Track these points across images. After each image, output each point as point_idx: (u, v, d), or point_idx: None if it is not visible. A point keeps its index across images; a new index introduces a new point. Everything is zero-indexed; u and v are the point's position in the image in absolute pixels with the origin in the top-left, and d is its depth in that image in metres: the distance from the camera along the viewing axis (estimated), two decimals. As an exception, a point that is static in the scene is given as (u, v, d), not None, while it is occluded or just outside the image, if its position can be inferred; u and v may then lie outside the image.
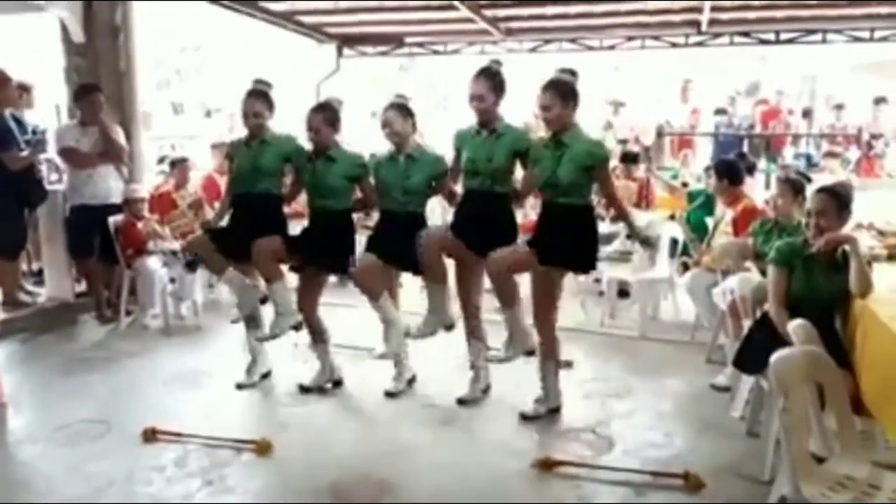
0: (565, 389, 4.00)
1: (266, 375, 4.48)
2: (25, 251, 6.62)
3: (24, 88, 6.44)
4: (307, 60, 10.54)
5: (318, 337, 4.29)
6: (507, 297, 3.75)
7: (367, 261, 4.03)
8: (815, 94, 12.74)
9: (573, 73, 3.65)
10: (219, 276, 4.40)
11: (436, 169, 4.04)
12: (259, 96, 4.13)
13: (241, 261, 4.19)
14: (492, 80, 3.79)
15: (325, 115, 4.04)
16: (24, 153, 5.37)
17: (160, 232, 5.76)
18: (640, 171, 6.99)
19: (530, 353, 3.88)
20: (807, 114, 10.45)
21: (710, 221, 5.15)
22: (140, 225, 5.62)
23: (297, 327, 4.24)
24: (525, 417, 3.85)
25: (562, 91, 3.56)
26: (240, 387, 4.32)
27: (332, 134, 4.06)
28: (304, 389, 4.25)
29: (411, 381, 4.31)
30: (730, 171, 4.88)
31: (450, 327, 4.04)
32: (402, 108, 4.01)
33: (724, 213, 4.85)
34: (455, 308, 4.12)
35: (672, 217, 5.74)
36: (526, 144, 3.82)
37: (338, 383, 4.33)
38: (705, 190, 5.54)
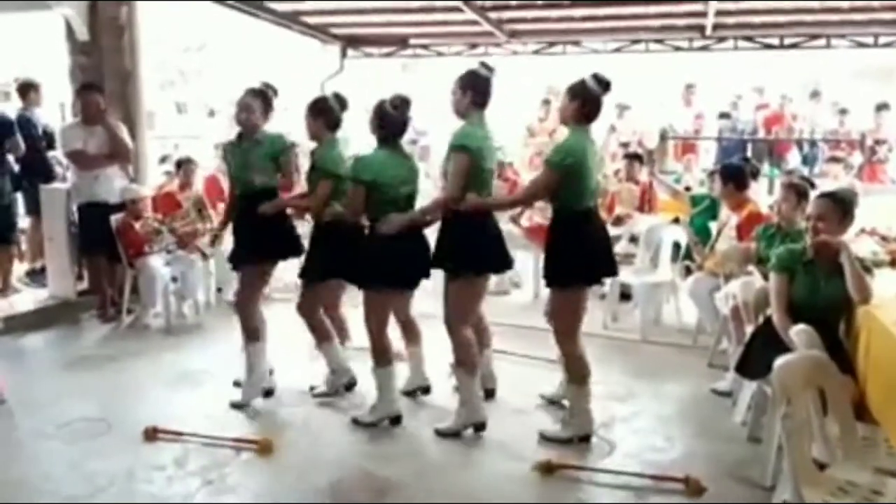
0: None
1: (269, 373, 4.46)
2: (29, 249, 6.67)
3: (32, 86, 6.47)
4: (311, 61, 10.55)
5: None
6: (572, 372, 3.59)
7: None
8: (818, 100, 12.73)
9: (597, 78, 3.45)
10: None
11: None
12: (254, 94, 4.05)
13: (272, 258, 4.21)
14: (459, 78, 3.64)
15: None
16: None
17: (159, 229, 5.74)
18: (642, 173, 6.99)
19: (585, 438, 3.61)
20: (815, 94, 10.34)
21: (713, 226, 5.15)
22: (138, 225, 5.61)
23: (350, 386, 4.18)
24: (545, 438, 3.63)
25: (570, 90, 3.50)
26: (237, 384, 4.24)
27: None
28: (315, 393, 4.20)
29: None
30: (735, 175, 4.87)
31: (481, 426, 3.71)
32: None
33: (729, 218, 4.84)
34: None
35: (676, 220, 5.74)
36: (453, 142, 3.56)
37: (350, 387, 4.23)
38: (710, 194, 5.53)
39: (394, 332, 4.03)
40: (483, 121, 3.63)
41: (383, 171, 3.64)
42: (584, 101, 3.45)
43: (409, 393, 4.19)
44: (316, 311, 4.12)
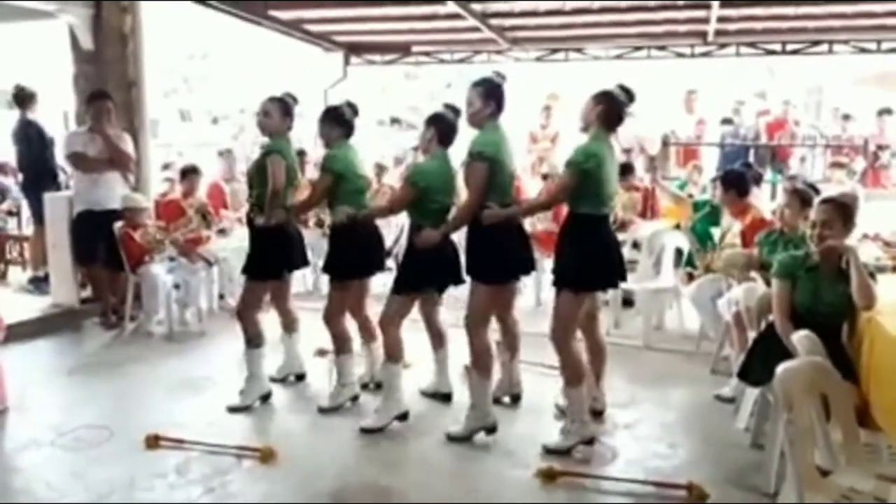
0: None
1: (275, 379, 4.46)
2: (32, 256, 6.70)
3: (28, 95, 6.50)
4: (314, 68, 10.59)
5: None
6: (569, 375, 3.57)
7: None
8: (820, 106, 12.74)
9: (622, 87, 3.47)
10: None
11: None
12: (273, 100, 4.13)
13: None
14: (479, 87, 3.67)
15: None
16: None
17: (161, 238, 5.74)
18: (644, 180, 6.98)
19: (589, 441, 3.60)
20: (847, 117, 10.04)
21: (715, 231, 5.14)
22: (138, 235, 5.62)
23: (354, 398, 4.13)
24: (549, 451, 3.57)
25: (595, 96, 3.49)
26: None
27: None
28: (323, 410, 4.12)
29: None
30: (737, 182, 4.86)
31: (492, 429, 3.74)
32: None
33: (732, 225, 4.82)
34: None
35: (678, 226, 5.74)
36: (472, 150, 3.59)
37: (354, 398, 4.19)
38: (710, 200, 5.53)
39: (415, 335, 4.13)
40: (498, 126, 3.66)
41: (437, 179, 3.74)
42: (608, 108, 3.44)
43: (431, 395, 4.24)
44: (339, 319, 4.11)
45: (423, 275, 3.79)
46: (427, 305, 4.10)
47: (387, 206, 4.11)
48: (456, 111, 3.82)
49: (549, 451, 3.57)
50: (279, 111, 4.09)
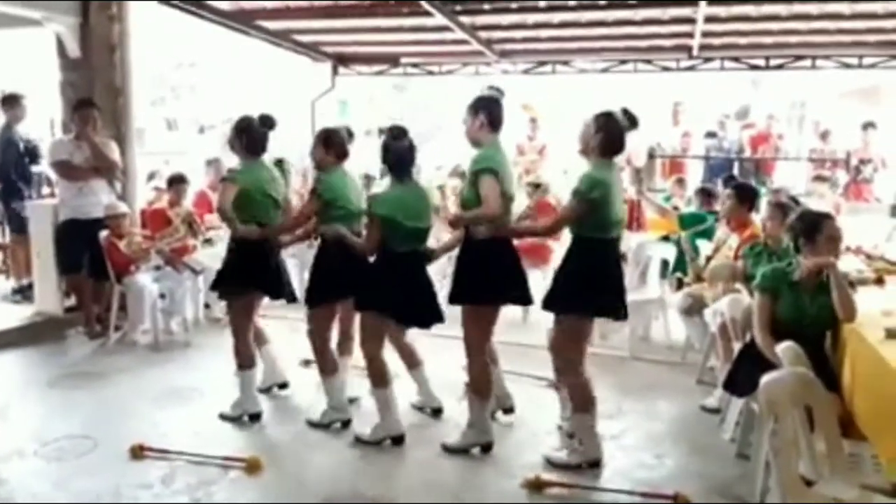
0: (554, 409, 3.97)
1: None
2: (14, 266, 6.64)
3: (16, 100, 6.46)
4: (302, 78, 10.61)
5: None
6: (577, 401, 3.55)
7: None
8: (803, 119, 12.91)
9: (626, 112, 3.44)
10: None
11: None
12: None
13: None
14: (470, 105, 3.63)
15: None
16: None
17: (146, 247, 5.70)
18: (628, 190, 7.03)
19: (594, 463, 3.53)
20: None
21: (702, 243, 5.17)
22: (123, 244, 5.57)
23: (345, 423, 4.03)
24: (552, 463, 3.55)
25: (596, 120, 3.42)
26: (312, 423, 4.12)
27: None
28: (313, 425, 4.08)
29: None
30: (752, 196, 4.85)
31: (488, 447, 3.71)
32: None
33: (728, 237, 4.83)
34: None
35: (666, 238, 5.79)
36: (477, 167, 3.51)
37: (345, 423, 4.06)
38: (706, 214, 5.55)
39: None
40: (499, 145, 3.61)
41: (397, 207, 3.62)
42: (608, 137, 3.37)
43: (420, 409, 4.22)
44: (323, 337, 4.02)
45: (389, 298, 3.65)
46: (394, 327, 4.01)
47: (340, 232, 3.85)
48: (397, 134, 3.70)
49: (551, 464, 3.55)
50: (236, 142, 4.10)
